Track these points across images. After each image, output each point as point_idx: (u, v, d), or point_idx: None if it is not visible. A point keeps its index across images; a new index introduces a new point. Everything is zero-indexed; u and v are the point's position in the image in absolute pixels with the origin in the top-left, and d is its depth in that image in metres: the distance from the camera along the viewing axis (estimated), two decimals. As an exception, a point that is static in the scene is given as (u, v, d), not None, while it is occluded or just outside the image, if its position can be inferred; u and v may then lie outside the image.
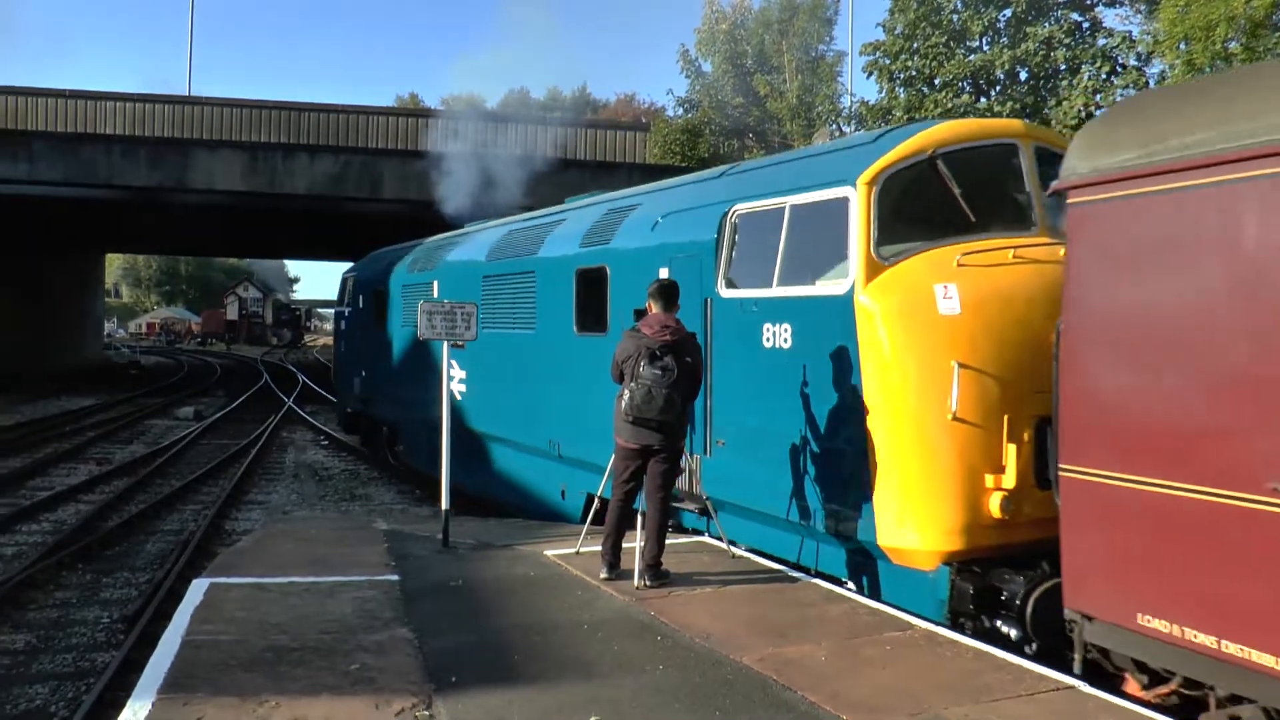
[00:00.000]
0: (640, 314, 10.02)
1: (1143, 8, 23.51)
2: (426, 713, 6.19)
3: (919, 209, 8.40)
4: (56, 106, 35.95)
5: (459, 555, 10.47)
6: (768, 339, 9.28)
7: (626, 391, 8.96)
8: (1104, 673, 6.79)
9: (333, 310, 25.32)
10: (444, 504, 11.10)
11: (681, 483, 10.65)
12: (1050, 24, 23.16)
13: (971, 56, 23.59)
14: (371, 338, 22.04)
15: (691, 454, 10.48)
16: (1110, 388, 6.05)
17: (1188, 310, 5.70)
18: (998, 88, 23.61)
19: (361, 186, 33.78)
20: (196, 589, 8.68)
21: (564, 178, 33.62)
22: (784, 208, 9.23)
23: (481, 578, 9.43)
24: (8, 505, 17.43)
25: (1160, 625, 5.90)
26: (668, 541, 9.39)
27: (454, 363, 16.67)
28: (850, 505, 8.33)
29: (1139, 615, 6.04)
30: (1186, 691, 6.25)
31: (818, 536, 8.92)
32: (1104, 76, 22.09)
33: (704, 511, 10.41)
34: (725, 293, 9.88)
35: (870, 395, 8.00)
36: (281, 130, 35.91)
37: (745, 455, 9.69)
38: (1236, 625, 5.49)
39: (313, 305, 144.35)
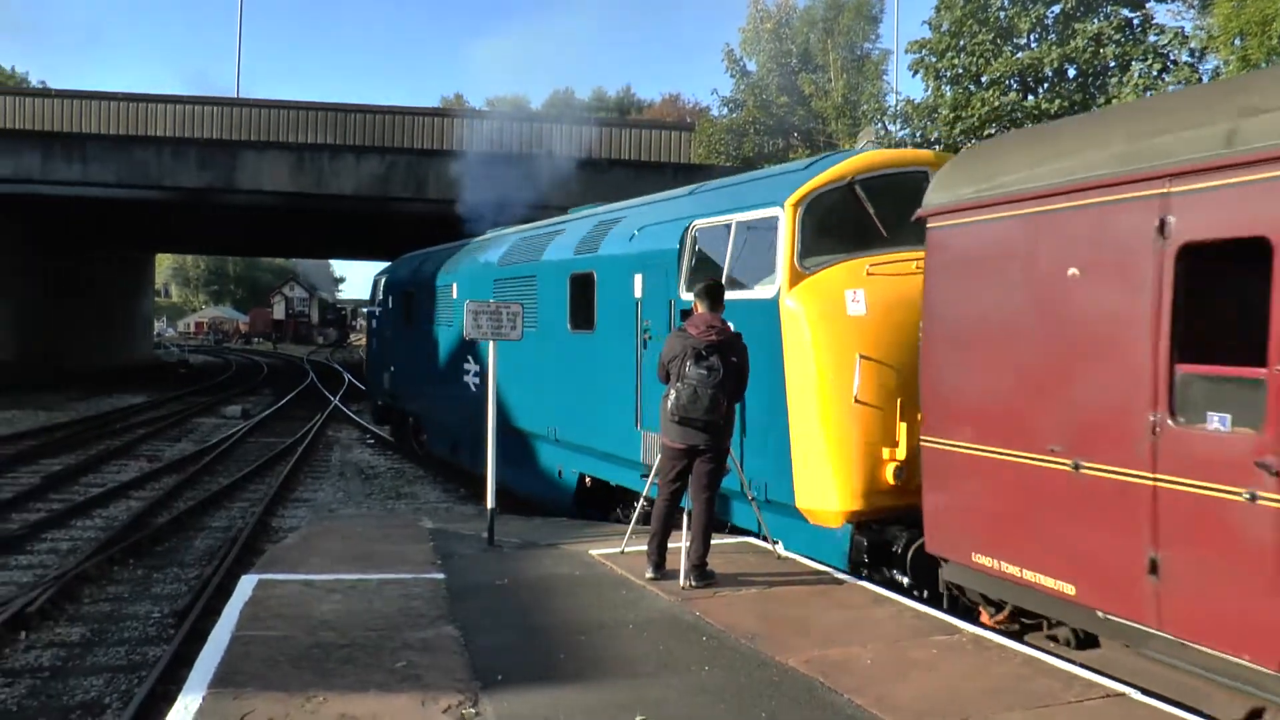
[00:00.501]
0: (686, 314, 10.03)
1: (1196, 3, 23.18)
2: (473, 710, 6.21)
3: (838, 226, 9.96)
4: (109, 109, 36.43)
5: (504, 554, 10.51)
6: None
7: (673, 391, 8.94)
8: (969, 608, 8.41)
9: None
10: (489, 503, 11.15)
11: (650, 461, 11.57)
12: (1100, 20, 22.88)
13: (1019, 54, 23.35)
14: (399, 335, 23.70)
15: (650, 433, 11.67)
16: (949, 376, 7.87)
17: (996, 316, 7.42)
18: (1045, 85, 23.36)
19: (407, 186, 33.99)
20: (245, 585, 8.77)
21: (608, 178, 33.67)
22: (730, 224, 10.73)
23: (527, 576, 9.46)
24: (62, 501, 17.69)
25: (987, 561, 7.59)
26: (713, 542, 9.36)
27: (469, 358, 18.28)
28: (776, 475, 9.81)
29: (973, 555, 7.71)
30: (1027, 621, 7.97)
31: (758, 503, 10.11)
32: (1155, 74, 21.81)
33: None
34: (685, 295, 11.13)
35: (791, 383, 9.58)
36: (328, 131, 36.17)
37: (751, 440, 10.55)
38: (1029, 557, 7.23)
39: (358, 305, 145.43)
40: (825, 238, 9.95)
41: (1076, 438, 6.80)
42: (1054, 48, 22.70)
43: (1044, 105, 22.12)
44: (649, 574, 9.36)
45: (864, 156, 10.38)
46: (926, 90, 24.90)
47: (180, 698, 6.30)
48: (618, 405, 12.50)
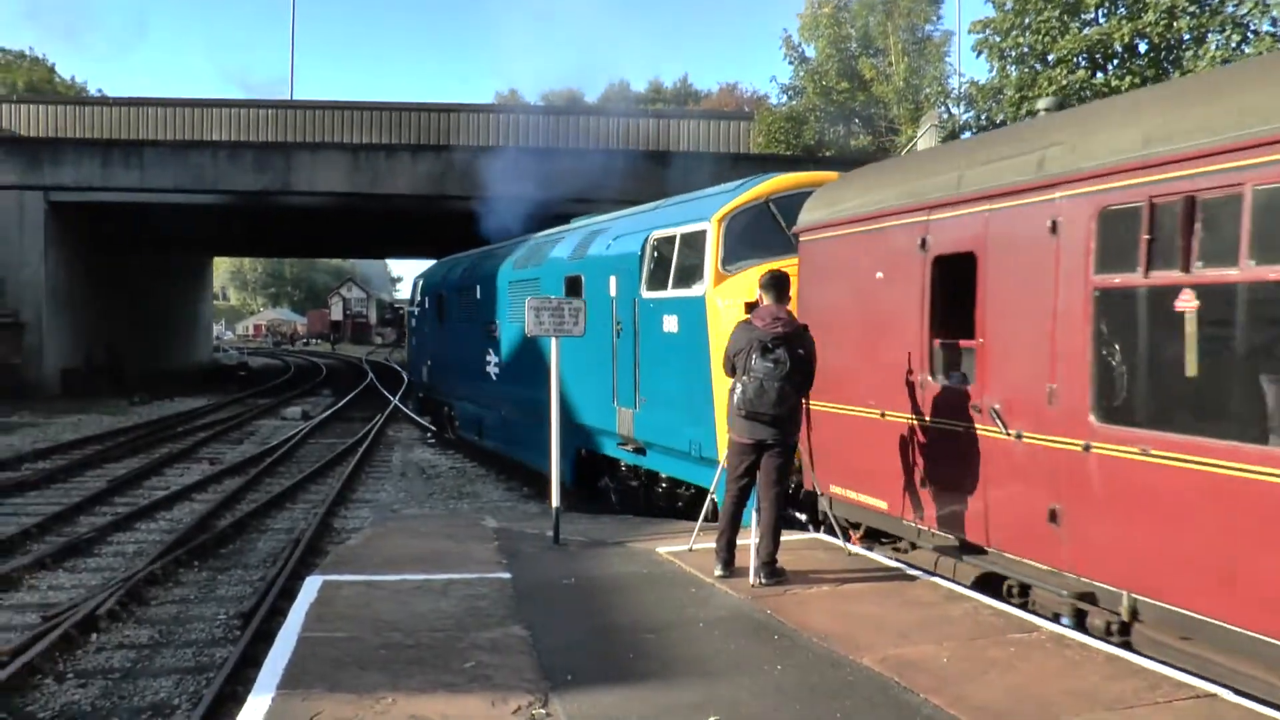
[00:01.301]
0: (751, 307, 9.99)
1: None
2: (543, 711, 6.21)
3: (754, 237, 12.48)
4: (165, 115, 37.08)
5: (570, 553, 10.53)
6: (666, 326, 13.18)
7: (739, 385, 8.88)
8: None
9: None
10: (553, 501, 11.16)
11: (621, 429, 14.17)
12: (1173, -8, 22.43)
13: (1087, 30, 22.95)
14: (434, 333, 27.21)
15: (623, 408, 14.27)
16: (832, 352, 10.15)
17: (838, 308, 10.24)
18: (1115, 61, 22.93)
19: (462, 184, 34.09)
20: (310, 586, 8.84)
21: (666, 170, 33.59)
22: (676, 235, 13.23)
23: (593, 575, 9.47)
24: (128, 504, 17.98)
25: (840, 491, 10.31)
26: (783, 539, 9.29)
27: (490, 350, 21.34)
28: (706, 436, 12.17)
29: (831, 487, 10.46)
30: (887, 542, 10.24)
31: (694, 459, 12.32)
32: (1234, 45, 21.32)
33: (639, 450, 14.04)
34: (645, 294, 13.66)
35: (715, 362, 11.82)
36: (383, 130, 36.55)
37: (658, 408, 13.45)
38: (862, 485, 9.90)
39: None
40: (743, 246, 12.50)
41: (883, 394, 9.60)
42: (1125, 22, 22.29)
43: (1114, 82, 21.72)
44: (718, 571, 9.31)
45: (779, 179, 13.09)
46: (991, 71, 24.59)
47: (250, 699, 6.36)
48: (601, 386, 15.11)
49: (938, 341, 8.97)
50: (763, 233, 12.53)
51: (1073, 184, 7.41)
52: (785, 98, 33.41)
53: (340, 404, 38.36)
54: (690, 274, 12.81)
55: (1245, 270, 6.03)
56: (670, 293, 13.17)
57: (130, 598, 11.90)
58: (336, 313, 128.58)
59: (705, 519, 11.05)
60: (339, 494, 18.84)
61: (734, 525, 9.34)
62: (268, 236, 57.47)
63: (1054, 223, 7.56)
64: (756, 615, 8.18)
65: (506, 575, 9.41)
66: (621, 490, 15.50)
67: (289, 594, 11.59)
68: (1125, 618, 7.21)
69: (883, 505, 9.71)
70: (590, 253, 16.00)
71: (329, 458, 23.63)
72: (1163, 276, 6.60)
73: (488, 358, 21.73)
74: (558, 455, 11.33)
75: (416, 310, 29.68)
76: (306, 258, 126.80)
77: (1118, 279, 7.00)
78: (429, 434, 29.12)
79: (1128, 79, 21.69)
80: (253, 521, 16.68)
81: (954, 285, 8.76)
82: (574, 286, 16.19)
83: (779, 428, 8.90)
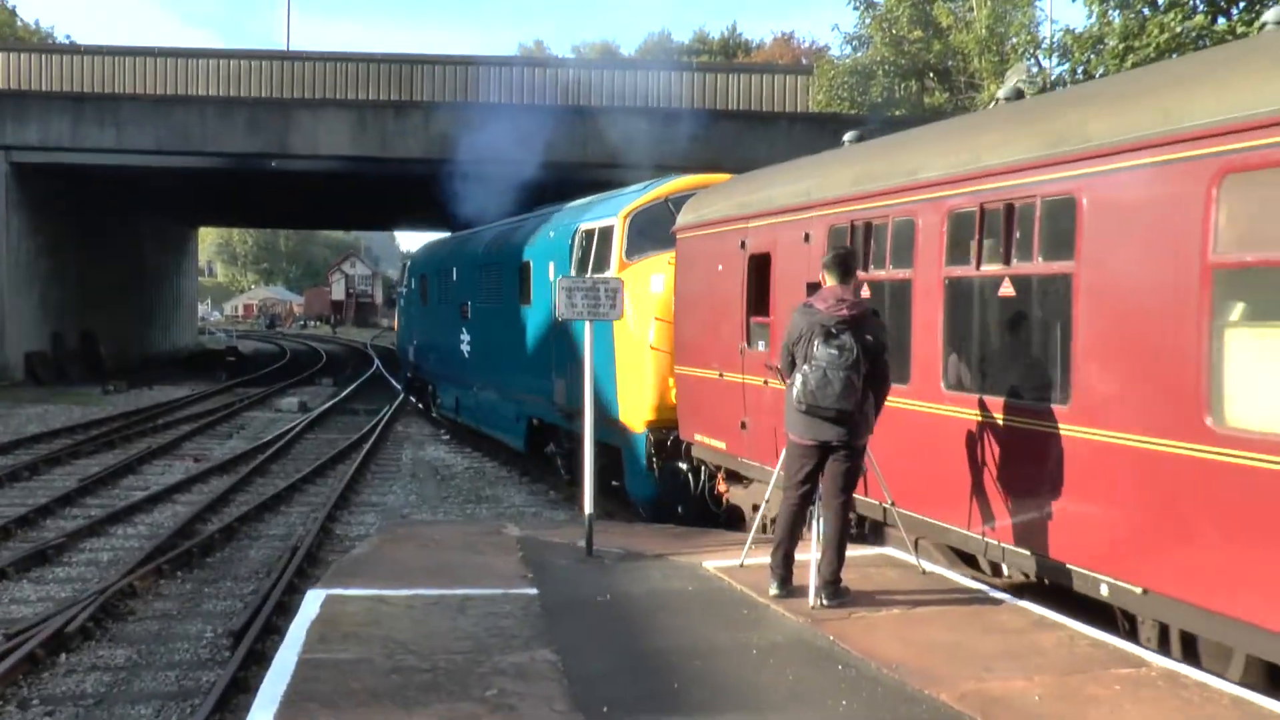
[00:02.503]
0: (814, 288, 9.86)
1: None
2: (575, 747, 6.19)
3: (654, 231, 16.40)
4: (146, 66, 37.19)
5: (605, 566, 10.54)
6: None
7: (799, 376, 8.75)
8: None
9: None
10: (586, 508, 11.14)
11: (557, 397, 18.88)
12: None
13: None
14: (418, 314, 31.89)
15: (558, 378, 18.54)
16: (682, 329, 14.60)
17: (698, 292, 14.01)
18: (1242, 3, 22.50)
19: (486, 144, 33.86)
20: (311, 601, 8.86)
21: (713, 132, 33.49)
22: (595, 228, 17.48)
23: (632, 592, 9.45)
24: (101, 506, 18.12)
25: (700, 438, 14.10)
26: (848, 554, 9.21)
27: (463, 330, 25.76)
28: (610, 400, 16.34)
29: (695, 435, 14.24)
30: (748, 489, 13.63)
31: (608, 422, 16.25)
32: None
33: (569, 416, 18.11)
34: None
35: (617, 336, 16.21)
36: (392, 87, 36.52)
37: (579, 377, 15.38)
38: (711, 431, 13.66)
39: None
40: (644, 239, 16.59)
41: (721, 360, 13.54)
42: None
43: (1239, 29, 21.33)
44: (773, 590, 9.25)
45: (679, 181, 17.36)
46: (1090, 18, 24.24)
47: (242, 730, 6.37)
48: (546, 359, 19.40)
49: (753, 319, 12.99)
50: (662, 228, 16.09)
51: (817, 208, 11.62)
52: (849, 49, 33.17)
53: (342, 395, 38.53)
54: (601, 262, 17.10)
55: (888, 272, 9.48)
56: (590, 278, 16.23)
57: (104, 613, 11.96)
58: (338, 291, 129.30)
59: (759, 530, 11.00)
60: (341, 496, 18.91)
61: (792, 538, 9.24)
62: (261, 205, 57.85)
63: (806, 234, 11.74)
64: (817, 641, 8.13)
65: (532, 591, 9.40)
66: (564, 455, 19.91)
67: (285, 609, 11.63)
68: (880, 516, 10.71)
69: (722, 445, 13.85)
70: (537, 241, 20.50)
71: (330, 455, 23.74)
72: (860, 275, 10.04)
73: (462, 337, 25.99)
74: (592, 451, 11.30)
75: (404, 291, 34.92)
76: (304, 229, 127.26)
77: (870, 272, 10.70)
78: (443, 430, 29.28)
79: (1256, 25, 21.31)
80: (243, 527, 16.75)
81: (761, 277, 12.76)
82: (525, 271, 20.89)
83: (845, 426, 8.77)
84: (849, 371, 8.57)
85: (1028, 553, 8.50)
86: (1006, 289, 8.71)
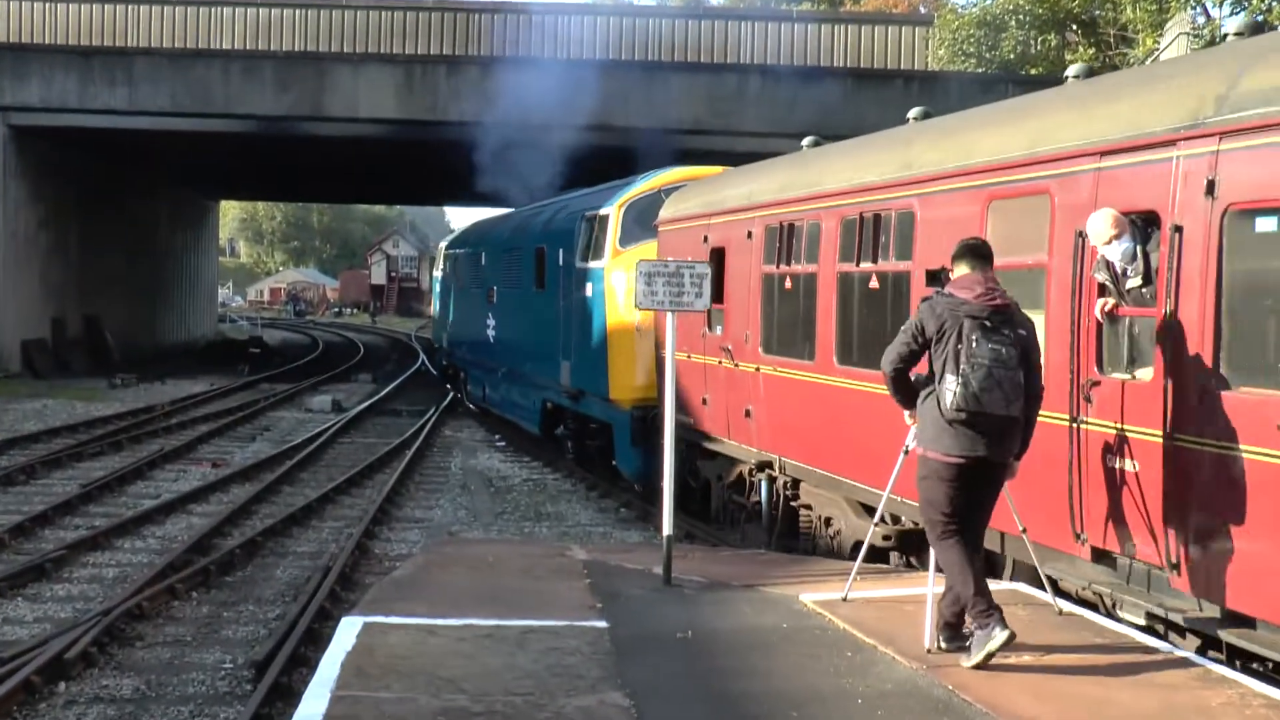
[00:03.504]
0: (935, 276, 9.71)
1: None
2: (652, 807, 6.14)
3: (649, 220, 19.63)
4: (162, 16, 37.53)
5: (685, 597, 10.48)
6: (586, 290, 21.28)
7: (947, 379, 8.41)
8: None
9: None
10: (664, 529, 11.08)
11: (563, 379, 23.29)
12: None
13: None
14: (451, 299, 36.54)
15: (564, 361, 22.57)
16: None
17: None
18: None
19: (553, 108, 33.75)
20: (346, 630, 8.88)
21: (816, 92, 33.28)
22: (595, 216, 21.13)
23: (717, 628, 9.39)
24: (106, 515, 18.35)
25: (683, 419, 16.03)
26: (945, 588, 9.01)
27: (490, 315, 29.62)
28: (603, 377, 20.02)
29: (679, 416, 14.70)
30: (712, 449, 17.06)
31: (600, 399, 20.56)
32: None
33: (574, 397, 22.49)
34: (578, 264, 21.93)
35: (609, 319, 19.97)
36: (445, 39, 36.63)
37: (584, 359, 21.53)
38: (683, 408, 16.22)
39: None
40: (638, 228, 20.19)
41: (691, 343, 16.54)
42: None
43: None
44: (941, 644, 8.92)
45: (673, 173, 21.14)
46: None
47: (266, 776, 6.37)
48: (555, 343, 23.17)
49: (715, 306, 15.14)
50: (655, 218, 19.26)
51: (756, 210, 15.29)
52: (977, -2, 32.95)
53: (382, 393, 38.76)
54: (599, 249, 20.85)
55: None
56: (590, 264, 21.36)
57: (109, 636, 12.07)
58: (378, 274, 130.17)
59: (863, 559, 10.90)
60: (380, 510, 19.01)
61: (966, 582, 8.72)
62: (291, 175, 58.31)
63: (749, 232, 15.42)
64: (934, 690, 8.03)
65: (602, 624, 9.37)
66: (570, 436, 24.00)
67: (316, 639, 11.68)
68: (778, 473, 14.96)
69: (691, 421, 17.15)
70: (552, 226, 24.56)
71: (367, 462, 23.92)
72: (785, 269, 14.45)
73: (488, 322, 29.74)
74: (671, 463, 11.25)
75: (440, 276, 40.43)
76: (341, 203, 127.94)
77: (770, 268, 14.90)
78: (498, 435, 29.46)
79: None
80: (268, 542, 16.88)
81: (719, 269, 15.79)
82: (540, 257, 24.88)
83: (1009, 438, 8.48)
84: (1015, 371, 8.31)
85: (883, 493, 10.57)
86: (874, 283, 12.53)
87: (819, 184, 13.71)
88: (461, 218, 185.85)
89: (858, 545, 11.81)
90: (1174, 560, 8.64)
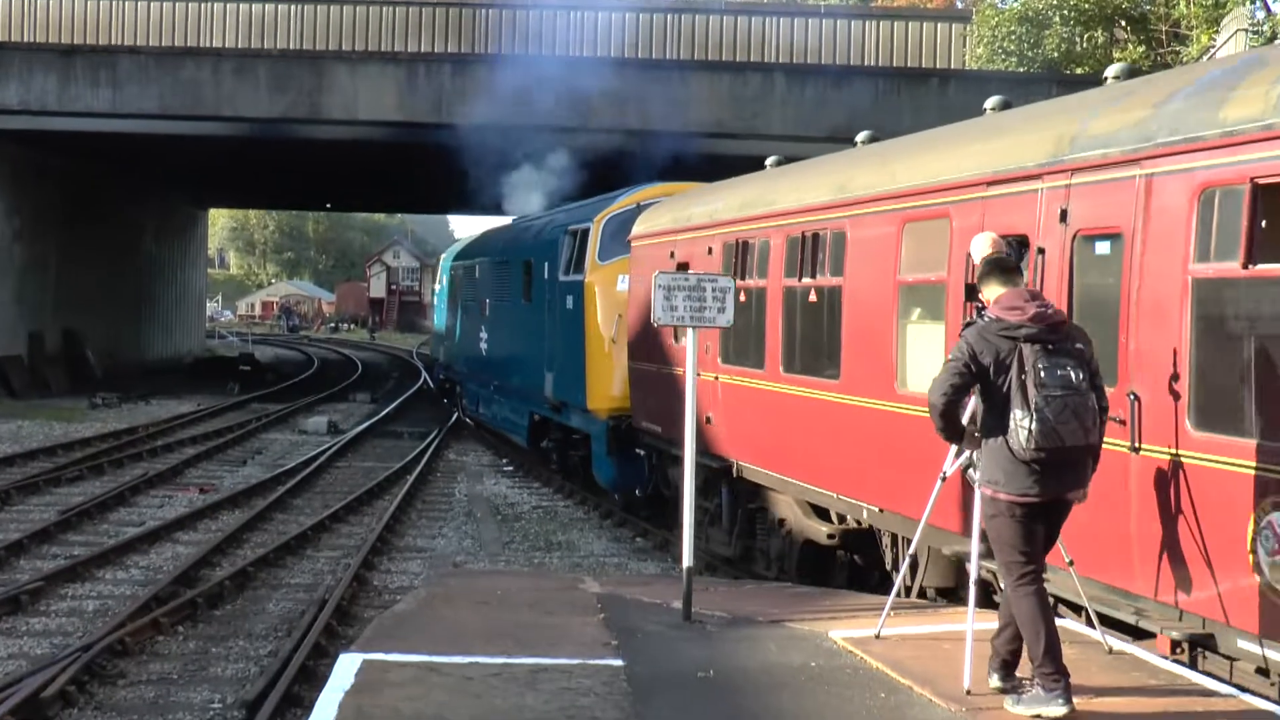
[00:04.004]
0: (973, 292, 9.57)
1: None
2: None
3: (627, 235, 21.01)
4: (150, 12, 37.63)
5: (707, 633, 10.44)
6: (568, 304, 23.23)
7: (1017, 415, 8.15)
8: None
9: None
10: (684, 560, 11.03)
11: (547, 391, 25.40)
12: None
13: None
14: (448, 312, 38.92)
15: (548, 372, 24.54)
16: (634, 326, 20.29)
17: (645, 294, 15.40)
18: None
19: (569, 109, 33.75)
20: (345, 668, 8.84)
21: (845, 94, 33.30)
22: (577, 230, 23.24)
23: (742, 667, 9.36)
24: (86, 544, 18.37)
25: (645, 425, 19.93)
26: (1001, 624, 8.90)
27: (482, 328, 31.70)
28: (581, 388, 22.21)
29: (643, 422, 20.07)
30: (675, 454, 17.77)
31: (580, 410, 22.64)
32: None
33: (556, 408, 24.62)
34: (561, 278, 23.85)
35: (588, 331, 22.18)
36: (450, 36, 36.68)
37: (565, 370, 23.53)
38: (651, 418, 19.58)
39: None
40: (616, 243, 21.87)
41: (660, 354, 18.89)
42: None
43: None
44: (996, 681, 8.69)
45: (651, 189, 22.92)
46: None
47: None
48: (542, 355, 25.07)
49: None
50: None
51: (717, 227, 17.16)
52: (1019, -7, 32.94)
53: (382, 414, 38.83)
54: (580, 263, 22.95)
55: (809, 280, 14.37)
56: (570, 277, 23.42)
57: (89, 674, 12.05)
58: (377, 287, 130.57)
59: (898, 594, 10.86)
60: (380, 539, 19.03)
61: (1052, 633, 8.59)
62: (286, 181, 58.44)
63: (710, 248, 17.26)
64: (978, 735, 7.97)
65: (617, 662, 9.34)
66: (555, 447, 26.00)
67: (310, 677, 11.68)
68: (736, 477, 16.51)
69: (659, 429, 19.10)
70: (540, 239, 26.71)
71: (366, 488, 23.97)
72: (741, 283, 14.73)
73: (481, 335, 31.93)
74: (691, 492, 11.22)
75: (438, 289, 43.85)
76: (338, 211, 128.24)
77: (745, 281, 15.86)
78: (505, 459, 29.55)
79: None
80: (259, 573, 16.88)
81: None
82: (528, 270, 26.80)
83: (1087, 467, 8.25)
84: (1087, 394, 8.07)
85: (824, 490, 13.89)
86: (812, 296, 14.39)
87: (771, 204, 15.67)
88: (466, 227, 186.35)
89: (808, 543, 14.94)
90: (1069, 558, 9.45)
